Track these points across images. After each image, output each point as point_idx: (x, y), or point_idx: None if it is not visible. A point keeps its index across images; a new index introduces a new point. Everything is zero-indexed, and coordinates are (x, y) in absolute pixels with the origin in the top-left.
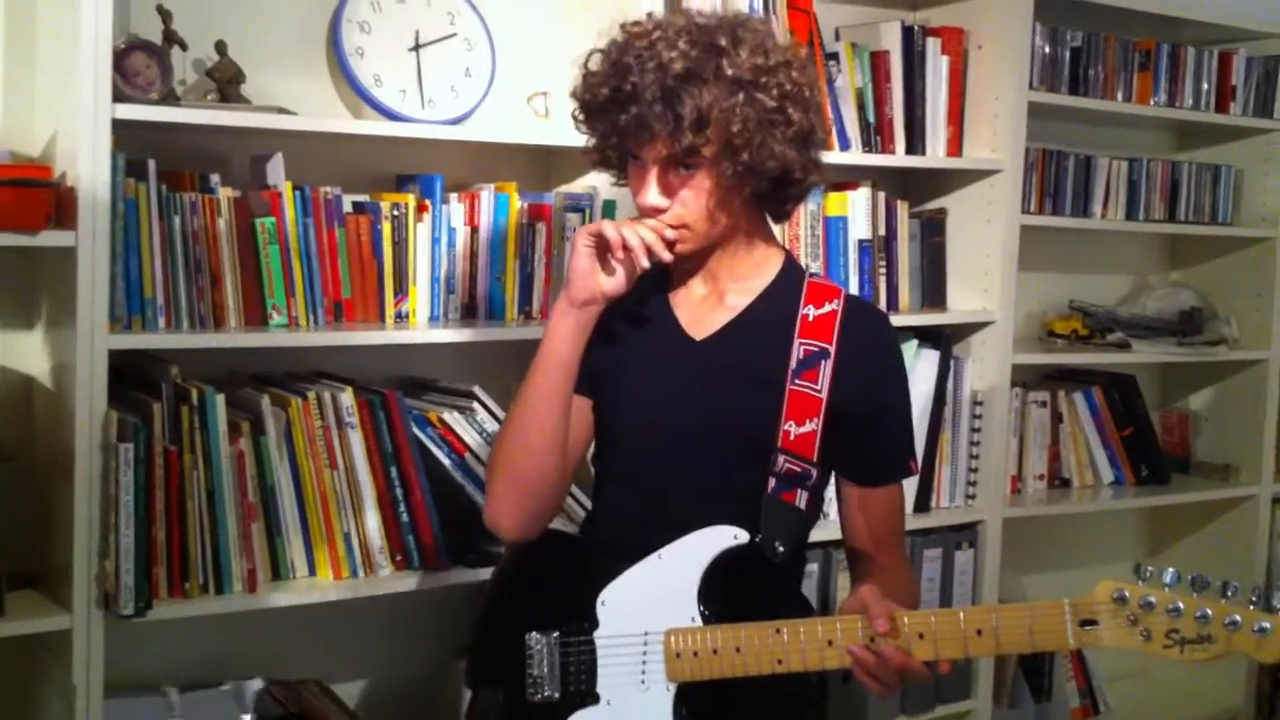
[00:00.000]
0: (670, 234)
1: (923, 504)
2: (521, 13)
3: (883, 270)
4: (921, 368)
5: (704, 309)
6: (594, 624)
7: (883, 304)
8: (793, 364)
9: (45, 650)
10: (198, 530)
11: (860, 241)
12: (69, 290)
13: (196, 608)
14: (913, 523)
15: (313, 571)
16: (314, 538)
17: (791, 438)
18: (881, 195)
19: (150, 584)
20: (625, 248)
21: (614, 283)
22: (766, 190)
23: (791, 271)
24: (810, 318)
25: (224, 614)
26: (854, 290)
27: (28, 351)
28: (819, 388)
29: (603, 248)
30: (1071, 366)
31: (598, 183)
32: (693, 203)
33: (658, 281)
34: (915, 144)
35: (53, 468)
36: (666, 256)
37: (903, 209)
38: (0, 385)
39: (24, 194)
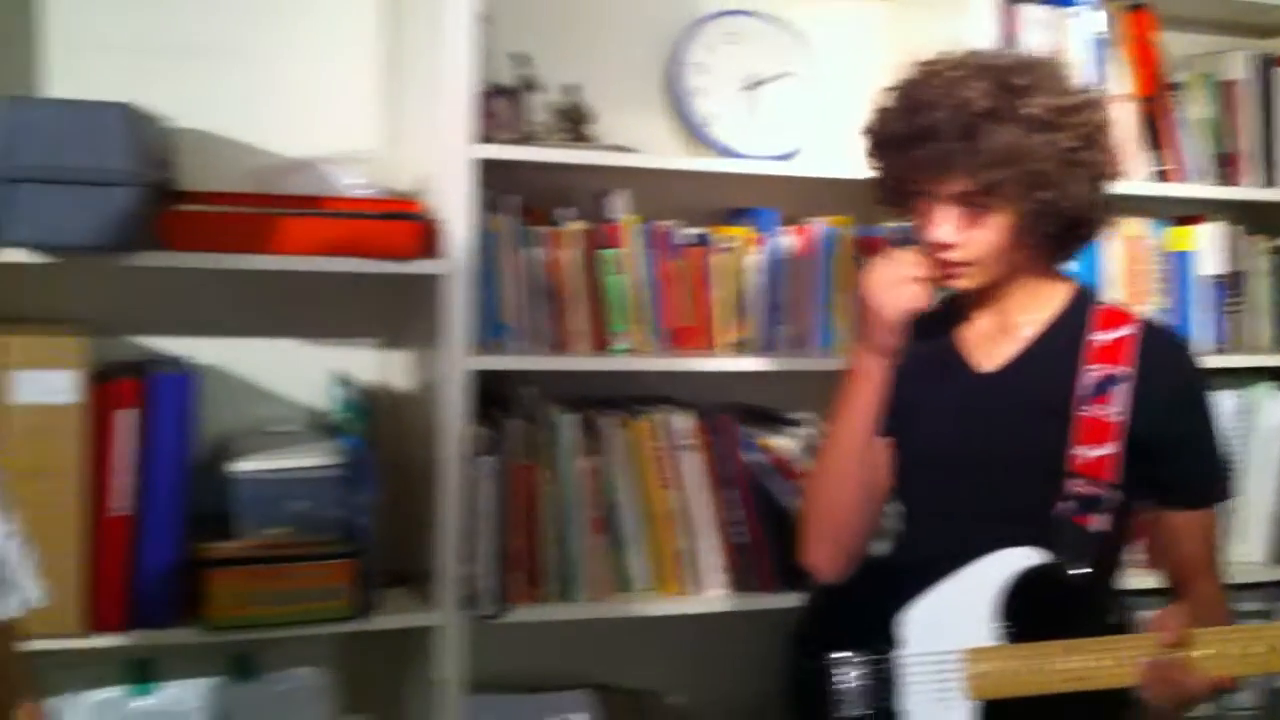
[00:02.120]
0: (956, 270)
1: None
2: (856, 49)
3: (1236, 307)
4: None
5: (991, 342)
6: (896, 643)
7: (1235, 341)
8: (1082, 389)
9: (412, 645)
10: (549, 540)
11: (1209, 277)
12: (436, 315)
13: (548, 613)
14: (1267, 574)
15: (652, 585)
16: (653, 553)
17: (1084, 462)
18: (1232, 229)
19: (507, 588)
20: (917, 281)
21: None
22: (1059, 230)
23: (1080, 300)
24: (1100, 343)
25: (570, 620)
26: (1203, 328)
27: (399, 369)
28: (1115, 411)
29: (897, 289)
30: None
31: None
32: (984, 240)
33: (943, 316)
34: (1272, 176)
35: (420, 477)
36: (958, 287)
37: (1257, 243)
38: (376, 400)
39: (396, 226)
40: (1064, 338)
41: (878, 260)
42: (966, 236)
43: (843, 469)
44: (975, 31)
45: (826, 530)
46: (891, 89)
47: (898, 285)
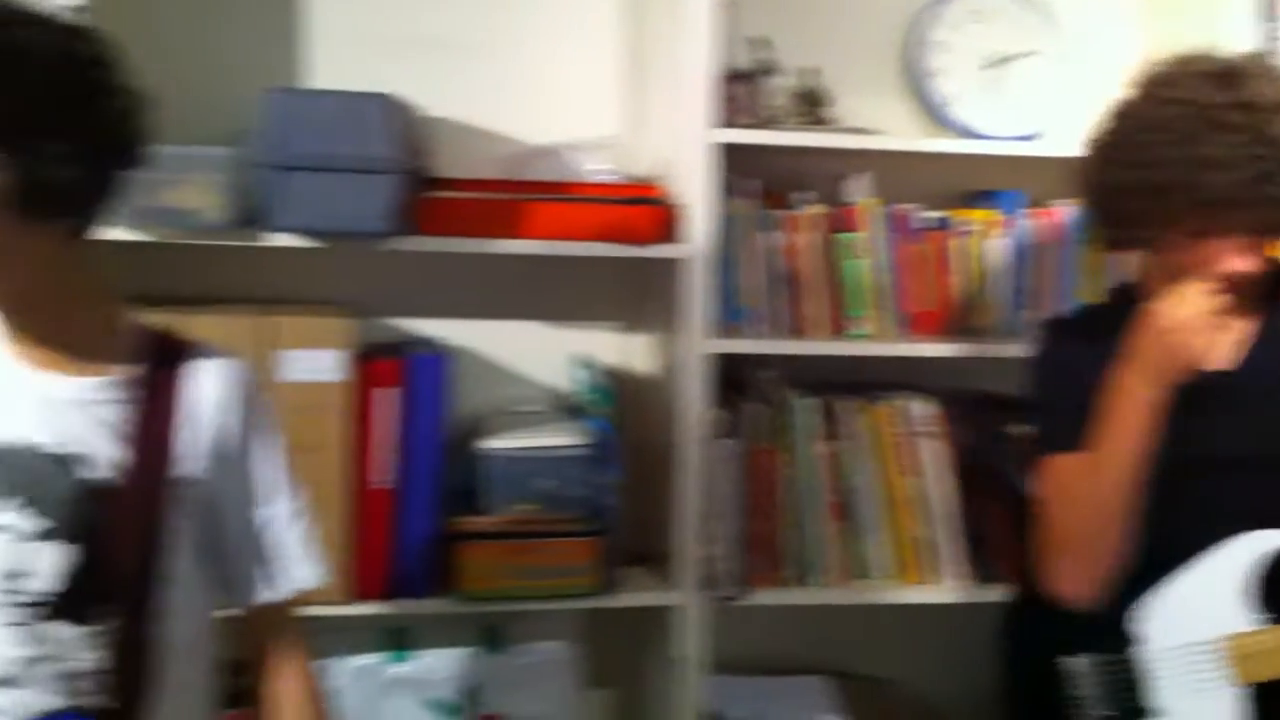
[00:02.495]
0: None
1: None
2: (1106, 26)
3: None
4: None
5: (1218, 340)
6: (1132, 640)
7: None
8: None
9: (652, 623)
10: (787, 524)
11: None
12: (676, 299)
13: (786, 597)
14: None
15: (891, 573)
16: (892, 541)
17: None
18: None
19: (746, 571)
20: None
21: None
22: None
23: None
24: None
25: (808, 605)
26: None
27: (639, 352)
28: None
29: (1199, 330)
30: None
31: None
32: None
33: (1114, 313)
34: None
35: (661, 458)
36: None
37: None
38: (618, 382)
39: (639, 211)
40: None
41: (1174, 296)
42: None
43: (1111, 501)
44: (1234, 14)
45: (1086, 560)
46: (1222, 130)
47: (1200, 326)
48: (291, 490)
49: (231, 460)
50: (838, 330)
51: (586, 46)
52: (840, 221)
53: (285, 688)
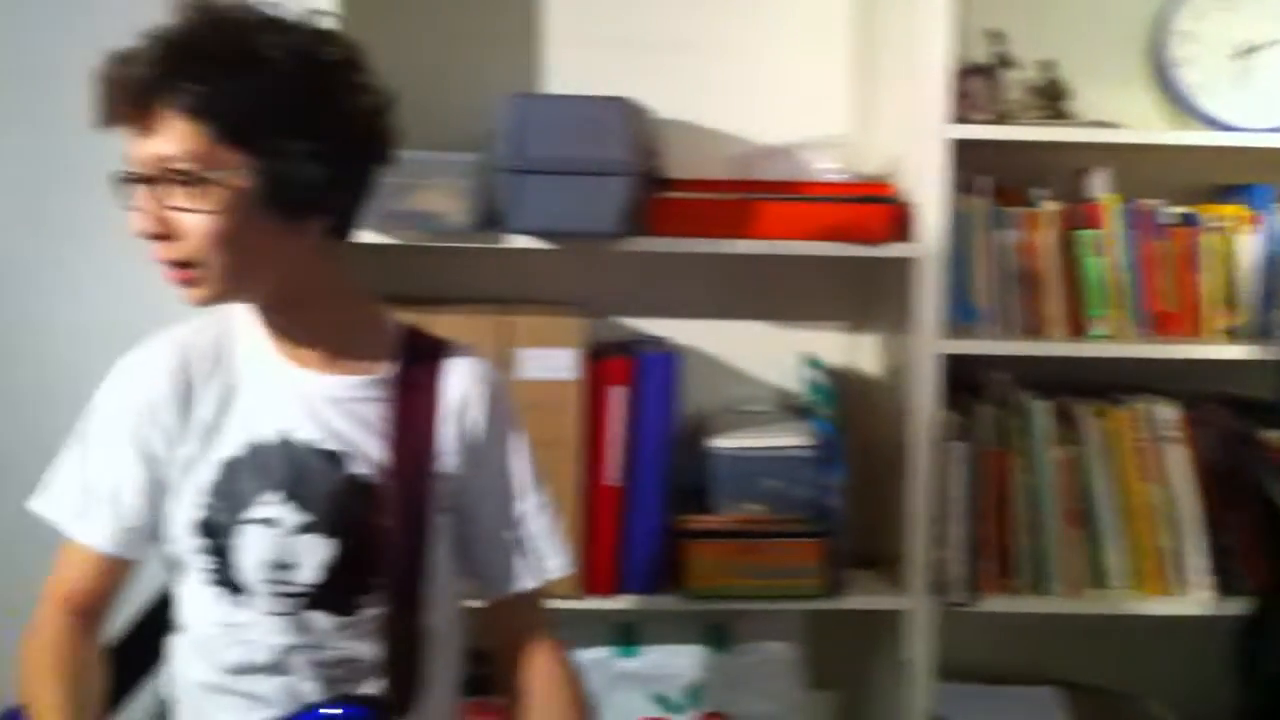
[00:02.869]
0: None
1: None
2: None
3: None
4: None
5: None
6: None
7: None
8: None
9: (878, 627)
10: (1020, 530)
11: None
12: (907, 298)
13: (1019, 604)
14: None
15: (1129, 583)
16: (1132, 549)
17: None
18: None
19: (977, 577)
20: None
21: None
22: None
23: None
24: None
25: (1042, 614)
26: None
27: (866, 352)
28: None
29: None
30: None
31: None
32: None
33: None
34: None
35: (889, 460)
36: None
37: None
38: (844, 383)
39: (869, 209)
40: None
41: None
42: None
43: None
44: None
45: None
46: None
47: None
48: (538, 483)
49: (481, 455)
50: (1076, 331)
51: (815, 44)
52: (1079, 218)
53: (544, 673)
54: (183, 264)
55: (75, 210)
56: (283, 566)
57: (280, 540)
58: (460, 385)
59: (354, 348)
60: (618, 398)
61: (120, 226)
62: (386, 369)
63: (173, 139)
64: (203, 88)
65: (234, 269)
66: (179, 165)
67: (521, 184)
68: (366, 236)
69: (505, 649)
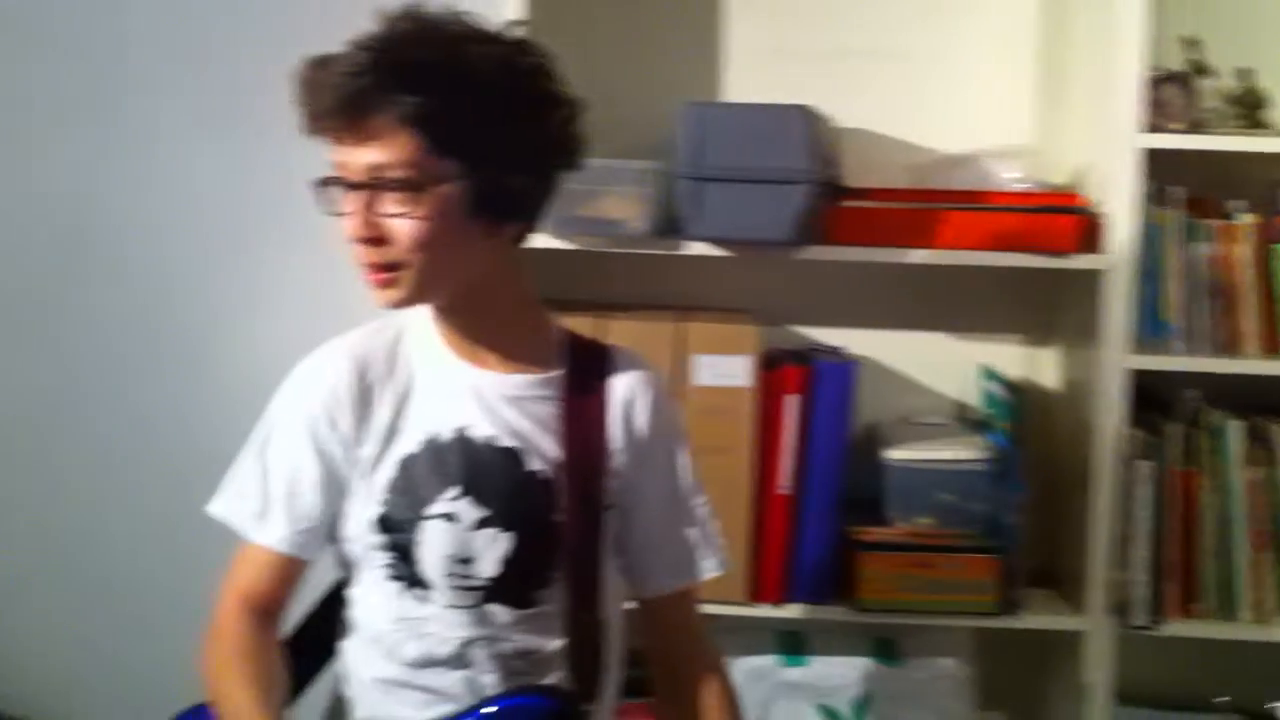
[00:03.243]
0: None
1: None
2: None
3: None
4: None
5: None
6: None
7: None
8: None
9: (1053, 647)
10: (1207, 553)
11: None
12: (1094, 311)
13: (1206, 630)
14: None
15: None
16: None
17: None
18: None
19: (1161, 599)
20: None
21: None
22: None
23: None
24: None
25: (1229, 640)
26: None
27: (1047, 366)
28: None
29: None
30: None
31: None
32: None
33: None
34: None
35: (1070, 477)
36: None
37: None
38: (1023, 397)
39: (1056, 220)
40: None
41: None
42: None
43: None
44: None
45: None
46: None
47: None
48: (696, 485)
49: (644, 456)
50: (1272, 348)
51: (1001, 51)
52: (1277, 232)
53: (695, 677)
54: (386, 267)
55: (266, 219)
56: (463, 561)
57: (460, 535)
58: (625, 387)
59: (526, 348)
60: (792, 406)
61: (308, 235)
62: (556, 370)
63: (388, 147)
64: (418, 98)
65: (434, 272)
66: (394, 173)
67: (700, 191)
68: (546, 242)
69: (657, 649)
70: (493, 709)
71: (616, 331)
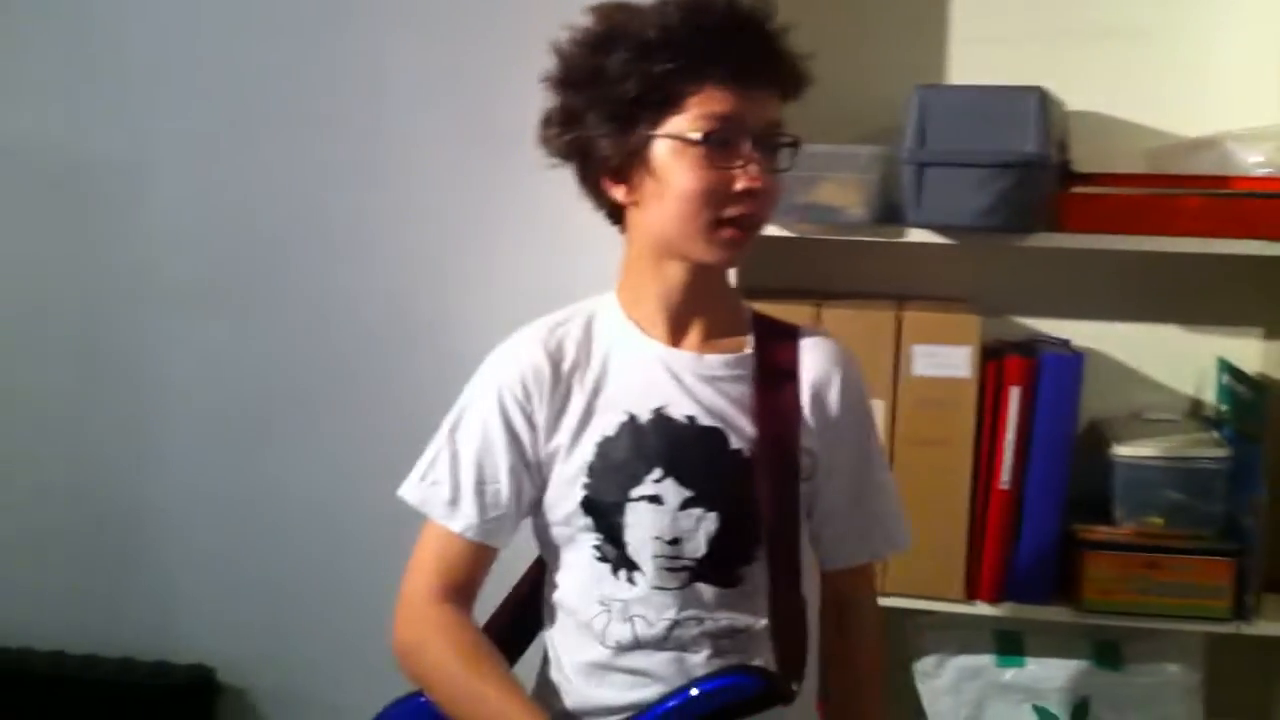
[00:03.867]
0: None
1: None
2: None
3: None
4: None
5: None
6: None
7: None
8: None
9: None
10: None
11: None
12: None
13: None
14: None
15: None
16: None
17: None
18: None
19: None
20: None
21: None
22: None
23: None
24: None
25: None
26: None
27: None
28: None
29: None
30: None
31: None
32: None
33: None
34: None
35: None
36: None
37: None
38: (1264, 393)
39: None
40: None
41: None
42: None
43: None
44: None
45: None
46: None
47: None
48: (883, 462)
49: (836, 432)
50: None
51: (1246, 29)
52: None
53: (861, 644)
54: (742, 225)
55: (484, 206)
56: (672, 541)
57: (667, 515)
58: (817, 364)
59: (722, 328)
60: (1015, 398)
61: (526, 221)
62: (748, 348)
63: (778, 106)
64: (785, 60)
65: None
66: (783, 131)
67: (922, 177)
68: (764, 229)
69: (831, 620)
70: (702, 690)
71: (831, 319)
